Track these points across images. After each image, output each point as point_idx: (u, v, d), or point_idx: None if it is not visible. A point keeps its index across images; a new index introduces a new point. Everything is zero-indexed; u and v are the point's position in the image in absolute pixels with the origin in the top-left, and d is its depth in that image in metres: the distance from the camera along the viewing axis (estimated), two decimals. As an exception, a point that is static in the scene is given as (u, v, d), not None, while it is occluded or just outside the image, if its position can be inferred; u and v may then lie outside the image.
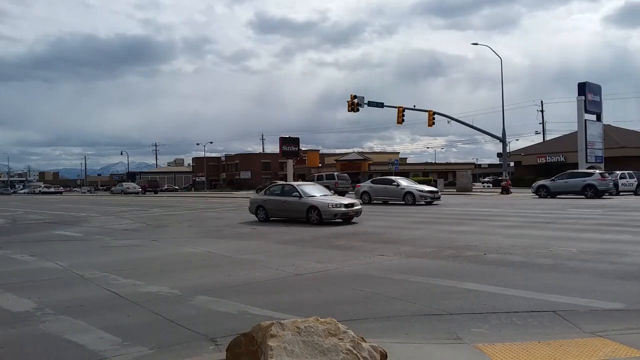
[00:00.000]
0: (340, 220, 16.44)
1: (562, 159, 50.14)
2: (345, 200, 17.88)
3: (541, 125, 66.37)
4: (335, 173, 43.46)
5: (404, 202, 25.08)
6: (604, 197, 26.97)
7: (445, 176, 65.91)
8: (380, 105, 38.38)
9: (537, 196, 29.30)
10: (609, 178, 27.96)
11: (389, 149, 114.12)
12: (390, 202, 26.36)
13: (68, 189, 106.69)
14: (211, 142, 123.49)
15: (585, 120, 38.68)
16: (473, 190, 45.39)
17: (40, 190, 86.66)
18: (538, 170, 53.36)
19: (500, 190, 38.63)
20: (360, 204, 18.72)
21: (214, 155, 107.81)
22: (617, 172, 32.85)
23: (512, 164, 56.70)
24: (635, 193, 31.82)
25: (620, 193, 31.53)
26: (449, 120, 40.56)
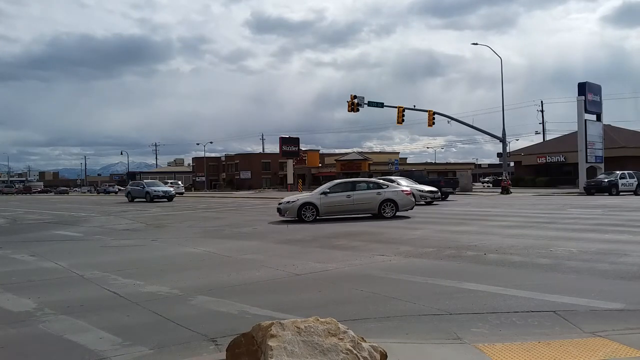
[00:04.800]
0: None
1: (562, 159, 50.12)
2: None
3: (541, 125, 66.42)
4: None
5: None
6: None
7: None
8: (380, 105, 38.38)
9: None
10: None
11: (388, 149, 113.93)
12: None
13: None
14: (211, 142, 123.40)
15: (585, 120, 38.68)
16: (473, 190, 45.43)
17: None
18: (538, 170, 53.36)
19: (500, 190, 38.66)
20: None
21: (213, 155, 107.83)
22: (617, 172, 32.86)
23: (512, 164, 56.69)
24: (635, 193, 31.82)
25: (620, 193, 31.53)
26: (449, 120, 40.56)
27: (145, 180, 46.55)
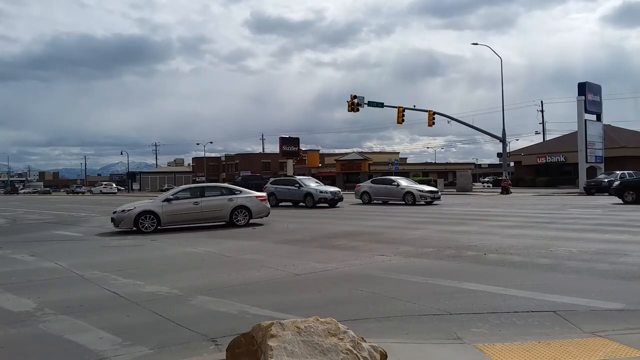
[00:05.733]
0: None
1: (562, 159, 50.11)
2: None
3: (541, 125, 66.38)
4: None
5: (404, 202, 25.09)
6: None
7: (445, 176, 65.84)
8: (380, 105, 38.36)
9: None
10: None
11: (388, 149, 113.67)
12: (390, 202, 26.36)
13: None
14: (211, 142, 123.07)
15: (585, 120, 38.64)
16: (473, 190, 45.41)
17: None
18: (538, 170, 53.37)
19: (500, 190, 38.65)
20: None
21: (213, 155, 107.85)
22: (617, 172, 32.84)
23: (512, 164, 56.66)
24: (635, 193, 31.77)
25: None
26: (449, 120, 40.53)
27: (298, 177, 30.96)
